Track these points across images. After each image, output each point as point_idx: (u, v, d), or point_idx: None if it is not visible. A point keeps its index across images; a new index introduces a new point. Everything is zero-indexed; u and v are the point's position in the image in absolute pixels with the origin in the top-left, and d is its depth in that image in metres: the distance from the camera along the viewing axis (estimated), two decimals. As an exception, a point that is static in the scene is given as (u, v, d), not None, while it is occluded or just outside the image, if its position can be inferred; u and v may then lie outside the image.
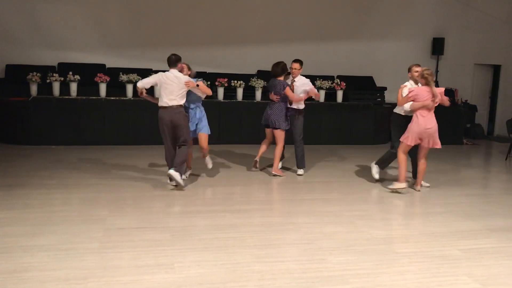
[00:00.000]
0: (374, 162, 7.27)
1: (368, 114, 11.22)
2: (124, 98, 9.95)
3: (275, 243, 4.52)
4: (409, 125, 6.38)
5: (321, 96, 10.99)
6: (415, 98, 6.34)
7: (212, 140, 7.32)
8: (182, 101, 6.28)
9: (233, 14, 11.80)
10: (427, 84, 6.37)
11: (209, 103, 8.67)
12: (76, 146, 9.41)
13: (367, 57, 12.52)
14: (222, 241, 4.50)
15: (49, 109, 9.50)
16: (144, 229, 4.79)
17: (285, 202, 6.01)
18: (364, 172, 7.87)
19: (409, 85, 6.78)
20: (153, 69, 10.53)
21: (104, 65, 10.76)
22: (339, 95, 11.13)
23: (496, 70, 14.33)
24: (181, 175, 6.19)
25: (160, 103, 6.29)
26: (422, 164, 6.59)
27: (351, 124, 11.15)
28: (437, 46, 13.17)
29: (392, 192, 6.50)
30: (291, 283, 3.65)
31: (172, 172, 6.09)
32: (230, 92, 10.44)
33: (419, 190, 6.67)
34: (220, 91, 10.24)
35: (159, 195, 6.04)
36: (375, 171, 7.19)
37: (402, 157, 6.48)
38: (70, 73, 9.60)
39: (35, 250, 4.12)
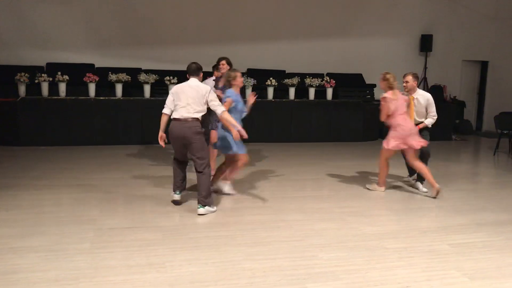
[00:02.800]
0: (415, 180, 6.84)
1: (358, 111, 11.29)
2: (114, 98, 9.92)
3: (266, 241, 4.53)
4: (392, 131, 6.21)
5: (311, 93, 11.06)
6: (395, 109, 6.18)
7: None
8: (198, 114, 5.29)
9: (223, 13, 11.80)
10: (390, 87, 6.16)
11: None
12: (65, 147, 9.36)
13: (357, 55, 12.59)
14: (213, 240, 4.51)
15: (38, 110, 9.44)
16: (135, 228, 4.78)
17: (276, 200, 6.02)
18: (354, 169, 7.91)
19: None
20: (142, 68, 10.52)
21: (93, 65, 10.71)
22: (329, 93, 11.20)
23: (483, 66, 14.47)
24: (210, 206, 5.37)
25: (173, 114, 5.34)
26: (420, 164, 6.29)
27: (341, 121, 11.21)
28: (426, 43, 13.27)
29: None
30: (282, 280, 3.67)
31: (200, 210, 5.25)
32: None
33: (436, 195, 6.22)
34: (210, 90, 10.22)
35: (150, 194, 6.03)
36: (420, 188, 6.66)
37: (384, 163, 6.39)
38: (59, 73, 9.56)
39: (25, 251, 4.09)
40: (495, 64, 14.17)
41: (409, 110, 6.43)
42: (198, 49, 11.09)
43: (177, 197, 5.58)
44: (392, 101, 6.14)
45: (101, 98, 9.85)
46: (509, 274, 3.91)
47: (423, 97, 6.51)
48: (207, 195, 5.29)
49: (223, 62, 6.77)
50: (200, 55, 11.00)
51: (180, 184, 5.58)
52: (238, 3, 11.92)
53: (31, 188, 6.23)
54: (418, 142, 6.20)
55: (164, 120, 5.40)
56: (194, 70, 5.43)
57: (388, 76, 6.16)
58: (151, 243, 4.37)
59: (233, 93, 5.79)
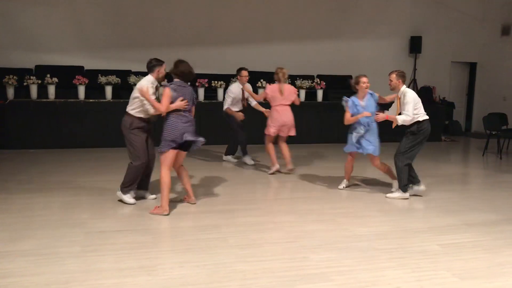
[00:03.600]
0: (410, 186, 6.44)
1: (348, 113, 11.31)
2: (103, 100, 9.88)
3: (257, 243, 4.53)
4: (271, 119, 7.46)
5: (302, 95, 11.09)
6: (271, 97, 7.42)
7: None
8: (132, 110, 5.56)
9: (213, 14, 11.80)
10: (278, 80, 7.34)
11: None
12: (55, 150, 9.30)
13: (347, 57, 12.65)
14: (205, 242, 4.50)
15: (27, 113, 9.37)
16: (126, 231, 4.76)
17: (267, 202, 6.03)
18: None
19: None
20: (132, 70, 10.48)
21: (82, 67, 10.66)
22: (319, 94, 11.25)
23: (472, 67, 14.60)
24: (126, 194, 5.68)
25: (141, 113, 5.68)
26: (285, 147, 7.58)
27: (332, 123, 11.25)
28: (415, 45, 13.38)
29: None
30: (274, 282, 3.67)
31: (117, 193, 5.74)
32: (210, 92, 10.43)
33: (290, 171, 7.60)
34: (201, 92, 10.23)
35: (140, 197, 6.00)
36: (419, 189, 6.46)
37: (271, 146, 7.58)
38: (48, 75, 9.50)
39: (15, 255, 4.06)
40: (483, 66, 14.31)
41: (396, 109, 6.36)
42: (189, 51, 11.05)
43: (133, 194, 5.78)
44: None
45: (91, 100, 9.80)
46: (498, 274, 3.95)
47: (404, 95, 6.25)
48: (123, 183, 5.68)
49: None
50: (190, 57, 10.99)
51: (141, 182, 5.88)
52: (228, 5, 11.93)
53: (20, 191, 6.18)
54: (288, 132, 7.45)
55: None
56: (148, 67, 5.64)
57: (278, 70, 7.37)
58: (142, 246, 4.36)
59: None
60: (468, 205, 6.09)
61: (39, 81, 9.46)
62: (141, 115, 5.57)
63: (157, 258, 4.09)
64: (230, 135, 8.54)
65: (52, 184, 6.60)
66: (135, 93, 5.55)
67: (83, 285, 3.55)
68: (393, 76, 6.24)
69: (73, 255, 4.10)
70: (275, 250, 4.35)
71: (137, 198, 5.82)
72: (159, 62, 5.61)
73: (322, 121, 11.22)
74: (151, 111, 5.56)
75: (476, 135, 13.47)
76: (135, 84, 9.78)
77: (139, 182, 5.81)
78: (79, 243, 4.38)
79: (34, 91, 9.48)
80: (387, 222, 5.34)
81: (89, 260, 4.01)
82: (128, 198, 5.69)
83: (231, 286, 3.60)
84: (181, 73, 5.42)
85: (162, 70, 5.63)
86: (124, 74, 10.10)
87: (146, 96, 5.41)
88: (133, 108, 5.59)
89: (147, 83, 5.51)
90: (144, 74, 10.33)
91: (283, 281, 3.70)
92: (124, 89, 10.14)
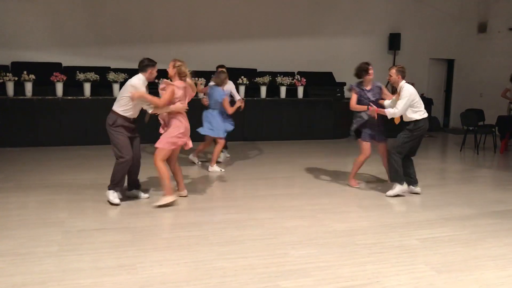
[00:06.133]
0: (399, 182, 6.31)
1: (328, 110, 11.40)
2: (82, 98, 9.76)
3: (237, 240, 4.53)
4: (173, 128, 5.56)
5: (282, 92, 11.12)
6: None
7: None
8: (118, 108, 5.50)
9: (192, 11, 11.73)
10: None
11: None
12: (32, 148, 9.16)
13: (327, 53, 12.71)
14: (185, 240, 4.49)
15: (3, 110, 9.21)
16: (105, 230, 4.72)
17: (247, 199, 6.03)
18: (325, 166, 7.99)
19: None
20: (111, 67, 10.36)
21: (60, 64, 10.50)
22: (300, 91, 11.27)
23: (450, 64, 14.81)
24: (111, 191, 5.57)
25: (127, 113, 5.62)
26: (178, 169, 5.93)
27: (312, 120, 11.31)
28: (394, 42, 13.51)
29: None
30: (254, 279, 3.68)
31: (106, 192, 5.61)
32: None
33: (184, 195, 5.93)
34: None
35: (133, 197, 5.90)
36: (414, 189, 6.45)
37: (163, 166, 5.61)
38: (25, 72, 9.33)
39: (-10, 256, 3.99)
40: (460, 62, 14.53)
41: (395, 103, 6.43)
42: (168, 47, 10.99)
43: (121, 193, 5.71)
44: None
45: (69, 97, 9.67)
46: (475, 267, 4.02)
47: (401, 89, 6.34)
48: (113, 181, 5.59)
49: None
50: (169, 53, 10.92)
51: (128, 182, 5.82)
52: (207, 1, 11.87)
53: (-4, 190, 6.07)
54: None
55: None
56: (140, 67, 5.54)
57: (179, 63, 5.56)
58: (121, 245, 4.32)
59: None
60: (445, 200, 6.18)
61: (16, 78, 9.28)
62: (127, 115, 5.50)
63: (136, 257, 4.06)
64: None
65: (29, 183, 6.50)
66: (124, 92, 5.48)
67: (60, 285, 3.50)
68: (393, 71, 6.32)
69: (50, 254, 4.05)
70: (255, 247, 4.35)
71: (131, 198, 5.78)
72: (152, 63, 5.54)
73: (302, 118, 11.26)
74: (150, 110, 5.53)
75: (454, 131, 13.67)
76: (114, 81, 9.74)
77: (130, 182, 5.78)
78: (57, 243, 4.32)
79: (10, 88, 9.31)
80: (366, 218, 5.39)
81: (67, 259, 3.96)
82: (113, 197, 5.57)
83: (211, 283, 3.60)
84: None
85: (154, 71, 5.57)
86: (103, 71, 9.98)
87: (144, 96, 5.42)
88: (120, 106, 5.51)
89: (138, 81, 5.48)
90: (122, 70, 10.24)
91: (262, 277, 3.71)
92: (103, 86, 10.03)
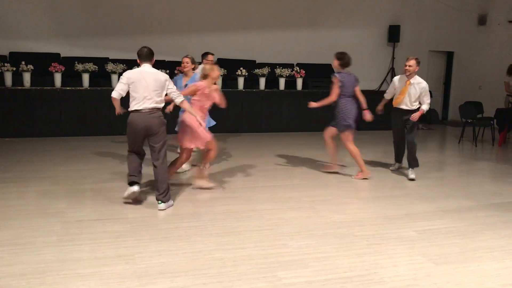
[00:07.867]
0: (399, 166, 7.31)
1: (328, 101, 11.36)
2: (80, 88, 9.73)
3: (236, 230, 4.55)
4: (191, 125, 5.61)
5: (281, 83, 11.10)
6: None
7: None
8: (161, 104, 5.13)
9: (191, 2, 11.67)
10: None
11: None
12: (31, 138, 9.15)
13: (326, 45, 12.63)
14: (183, 230, 4.50)
15: (2, 101, 9.19)
16: (104, 220, 4.72)
17: (247, 190, 6.04)
18: (324, 158, 7.99)
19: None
20: (110, 57, 10.33)
21: (58, 54, 10.46)
22: (299, 83, 11.26)
23: (449, 56, 14.78)
24: (169, 201, 5.22)
25: (132, 106, 5.06)
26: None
27: (311, 111, 11.26)
28: (393, 34, 13.46)
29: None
30: (253, 269, 3.69)
31: (161, 206, 5.10)
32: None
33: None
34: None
35: (118, 186, 5.95)
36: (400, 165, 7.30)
37: None
38: (23, 62, 9.31)
39: (-10, 245, 4.00)
40: (460, 55, 14.50)
41: (400, 95, 6.58)
42: (167, 38, 10.96)
43: (137, 189, 5.21)
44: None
45: (68, 88, 9.64)
46: (472, 258, 4.04)
47: (419, 85, 6.69)
48: (167, 189, 5.17)
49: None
50: (169, 44, 10.91)
51: (139, 177, 5.30)
52: (207, -8, 11.80)
53: (-5, 181, 6.07)
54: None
55: (117, 102, 5.17)
56: (146, 55, 5.14)
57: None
58: (120, 235, 4.33)
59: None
60: (443, 192, 6.20)
61: (14, 68, 9.26)
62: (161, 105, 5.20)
63: (135, 247, 4.07)
64: None
65: (28, 173, 6.50)
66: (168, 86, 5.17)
67: (59, 274, 3.51)
68: (414, 62, 6.58)
69: (49, 244, 4.06)
70: (254, 238, 4.37)
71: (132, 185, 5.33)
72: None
73: (301, 110, 11.24)
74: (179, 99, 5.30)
75: (452, 124, 13.67)
76: (113, 72, 9.71)
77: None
78: (56, 233, 4.33)
79: (8, 78, 9.28)
80: (364, 209, 5.40)
81: (66, 249, 3.97)
82: (127, 190, 5.22)
83: (210, 273, 3.61)
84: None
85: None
86: (101, 62, 9.95)
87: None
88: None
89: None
90: (121, 61, 10.16)
91: (261, 268, 3.72)
92: (101, 77, 10.00)
